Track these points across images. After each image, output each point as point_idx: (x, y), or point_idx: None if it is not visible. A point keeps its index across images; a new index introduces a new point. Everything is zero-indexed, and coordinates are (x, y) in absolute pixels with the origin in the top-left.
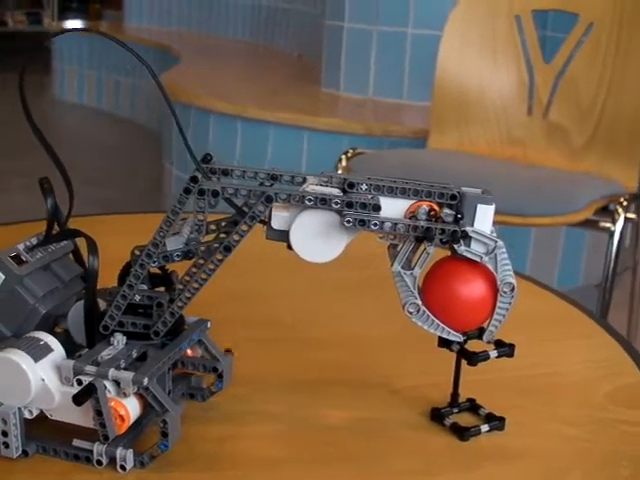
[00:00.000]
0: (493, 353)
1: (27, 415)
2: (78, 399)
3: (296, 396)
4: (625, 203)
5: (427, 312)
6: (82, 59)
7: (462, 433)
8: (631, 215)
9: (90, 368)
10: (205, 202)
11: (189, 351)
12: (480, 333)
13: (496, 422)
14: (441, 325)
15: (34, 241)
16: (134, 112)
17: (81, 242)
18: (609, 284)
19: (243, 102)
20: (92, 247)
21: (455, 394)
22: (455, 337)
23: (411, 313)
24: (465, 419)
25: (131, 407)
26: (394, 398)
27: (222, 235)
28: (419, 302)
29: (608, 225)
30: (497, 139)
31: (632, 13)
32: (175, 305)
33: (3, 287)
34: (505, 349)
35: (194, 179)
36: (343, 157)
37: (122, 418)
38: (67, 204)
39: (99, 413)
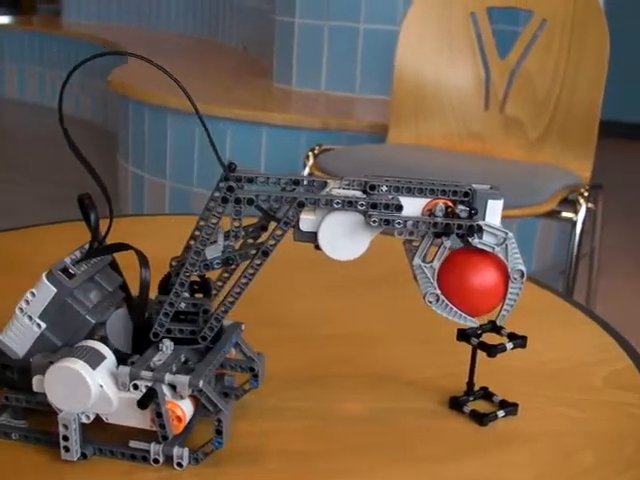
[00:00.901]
0: (509, 345)
1: (84, 420)
2: (143, 403)
3: (319, 391)
4: (586, 194)
5: (445, 301)
6: (23, 56)
7: (481, 419)
8: (589, 205)
9: (146, 373)
10: (242, 210)
11: None
12: (493, 326)
13: (510, 408)
14: (459, 312)
15: (78, 254)
16: (78, 108)
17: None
18: (573, 270)
19: (200, 99)
20: (143, 260)
21: (471, 383)
22: (472, 322)
23: (431, 302)
24: (481, 406)
25: (186, 408)
26: (411, 389)
27: (250, 240)
28: (438, 292)
29: (570, 215)
30: (455, 133)
31: (584, 9)
32: (219, 310)
33: (55, 300)
34: (519, 341)
35: (230, 188)
36: (310, 154)
37: (179, 419)
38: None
39: (159, 415)
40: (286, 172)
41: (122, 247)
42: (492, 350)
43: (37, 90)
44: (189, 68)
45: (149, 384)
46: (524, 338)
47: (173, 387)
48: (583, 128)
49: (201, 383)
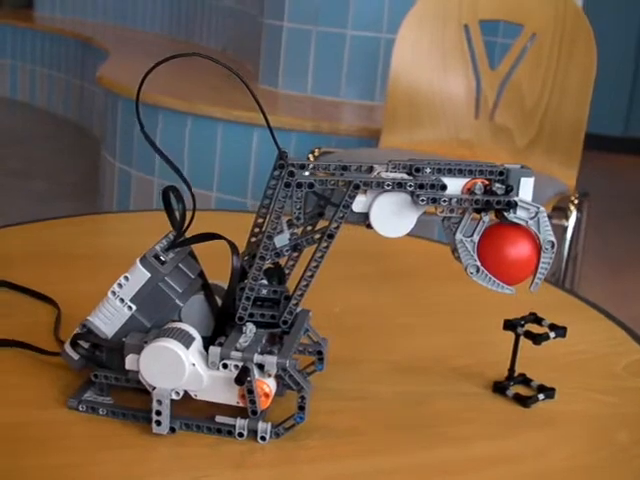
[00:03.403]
0: (552, 334)
1: (174, 396)
2: (240, 380)
3: (365, 375)
4: (576, 201)
5: (485, 271)
6: None
7: (525, 401)
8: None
9: (236, 354)
10: (302, 193)
11: None
12: (535, 318)
13: (549, 392)
14: (497, 281)
15: (165, 243)
16: (51, 102)
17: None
18: (563, 273)
19: (189, 99)
20: (234, 249)
21: (512, 369)
22: (509, 291)
23: (472, 273)
24: (520, 390)
25: (272, 385)
26: (455, 374)
27: (309, 227)
28: (478, 263)
29: (561, 221)
30: (446, 140)
31: (573, 24)
32: (296, 295)
33: (148, 284)
34: (560, 331)
35: (292, 173)
36: (310, 156)
37: (266, 395)
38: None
39: (250, 391)
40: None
41: (212, 236)
42: (538, 338)
43: (8, 84)
44: (172, 68)
45: (238, 363)
46: (564, 328)
47: (260, 366)
48: (569, 138)
49: (288, 363)
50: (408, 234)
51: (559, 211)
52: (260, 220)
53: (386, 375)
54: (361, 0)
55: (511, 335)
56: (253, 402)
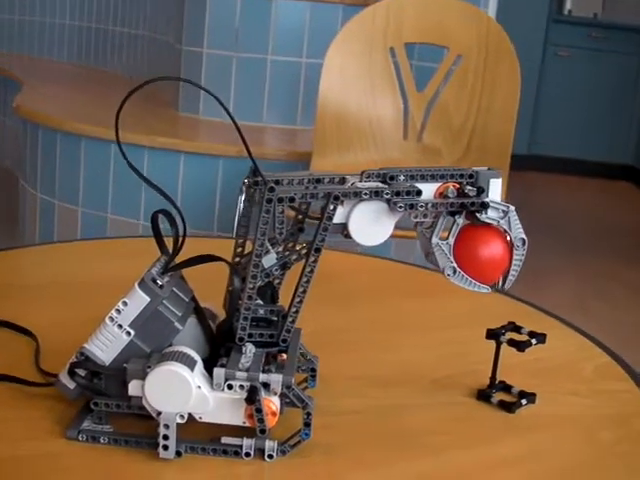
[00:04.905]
0: (533, 341)
1: (179, 420)
2: (251, 399)
3: (349, 390)
4: None
5: (462, 272)
6: None
7: (510, 407)
8: None
9: (241, 374)
10: (284, 208)
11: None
12: (514, 327)
13: (530, 397)
14: (473, 281)
15: (159, 267)
16: None
17: None
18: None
19: (113, 126)
20: (234, 270)
21: (493, 377)
22: (485, 289)
23: (449, 275)
24: (502, 397)
25: (277, 403)
26: (435, 385)
27: (290, 244)
28: (455, 265)
29: None
30: (377, 161)
31: (496, 45)
32: (291, 312)
33: (147, 308)
34: (540, 338)
35: (272, 189)
36: (246, 181)
37: (274, 413)
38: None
39: (258, 410)
40: (204, 199)
41: (209, 258)
42: (521, 345)
43: None
44: (92, 96)
45: (243, 384)
46: (544, 335)
47: (265, 385)
48: (497, 155)
49: (293, 380)
50: (359, 253)
51: None
52: (241, 240)
53: (372, 389)
54: (281, 25)
55: (484, 345)
56: (261, 421)
